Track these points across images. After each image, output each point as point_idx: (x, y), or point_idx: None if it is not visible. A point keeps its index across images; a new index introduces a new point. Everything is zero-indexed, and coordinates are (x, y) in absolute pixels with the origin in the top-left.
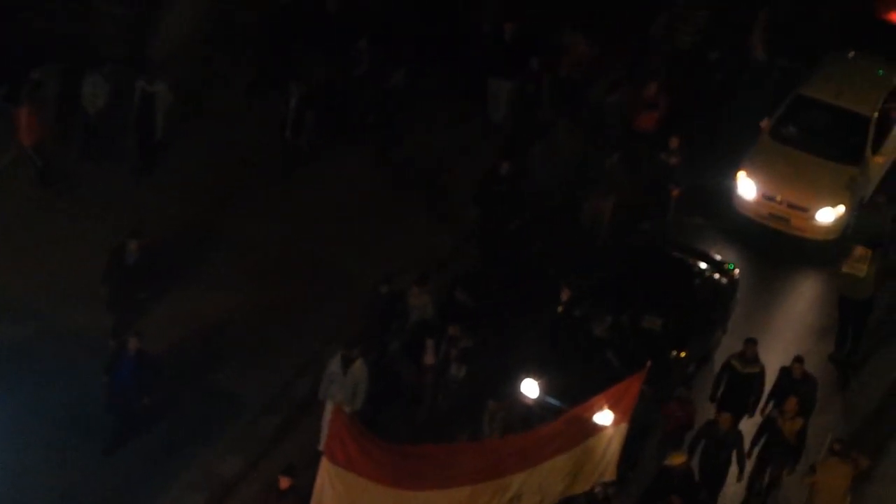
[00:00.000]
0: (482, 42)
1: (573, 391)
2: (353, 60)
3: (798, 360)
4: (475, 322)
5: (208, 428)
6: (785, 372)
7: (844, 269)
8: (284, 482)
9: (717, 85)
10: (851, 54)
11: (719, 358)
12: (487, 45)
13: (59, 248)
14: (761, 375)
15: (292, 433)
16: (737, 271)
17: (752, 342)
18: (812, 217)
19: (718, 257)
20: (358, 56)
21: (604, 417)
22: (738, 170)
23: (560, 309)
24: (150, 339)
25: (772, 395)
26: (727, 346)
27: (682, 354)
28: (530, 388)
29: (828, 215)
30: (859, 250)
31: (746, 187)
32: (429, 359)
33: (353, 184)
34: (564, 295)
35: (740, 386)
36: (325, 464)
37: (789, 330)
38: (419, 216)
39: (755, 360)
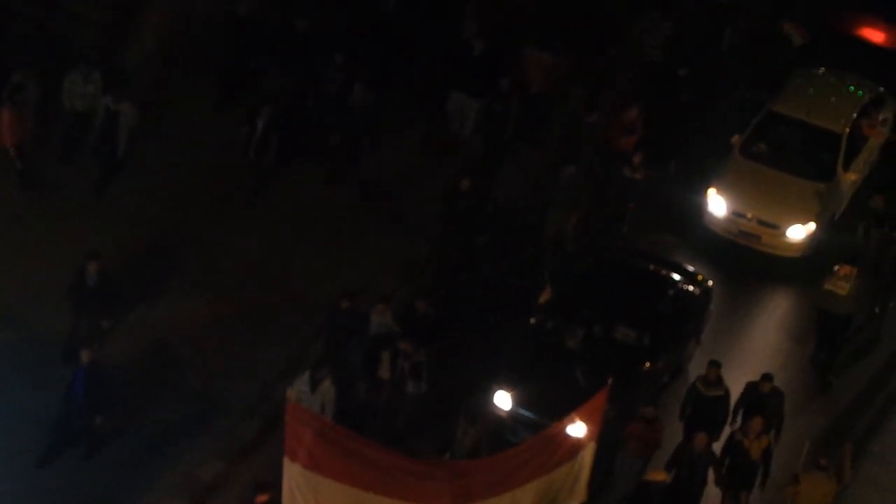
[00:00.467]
0: (450, 57)
1: (546, 403)
2: (327, 78)
3: (766, 377)
4: (435, 335)
5: (189, 432)
6: (751, 387)
7: (827, 286)
8: (261, 499)
9: (685, 101)
10: (821, 70)
11: (693, 370)
12: (455, 60)
13: (40, 252)
14: (726, 398)
15: (272, 437)
16: (710, 283)
17: (714, 365)
18: (782, 234)
19: (692, 269)
20: (333, 74)
21: (577, 430)
22: (709, 187)
23: (533, 321)
24: (127, 343)
25: (737, 410)
26: (701, 359)
27: (656, 366)
28: (503, 399)
29: (798, 232)
30: (844, 268)
31: (717, 204)
32: (384, 373)
33: (317, 202)
34: (545, 295)
35: (705, 408)
36: (286, 464)
37: (761, 346)
38: (382, 233)
39: (718, 382)
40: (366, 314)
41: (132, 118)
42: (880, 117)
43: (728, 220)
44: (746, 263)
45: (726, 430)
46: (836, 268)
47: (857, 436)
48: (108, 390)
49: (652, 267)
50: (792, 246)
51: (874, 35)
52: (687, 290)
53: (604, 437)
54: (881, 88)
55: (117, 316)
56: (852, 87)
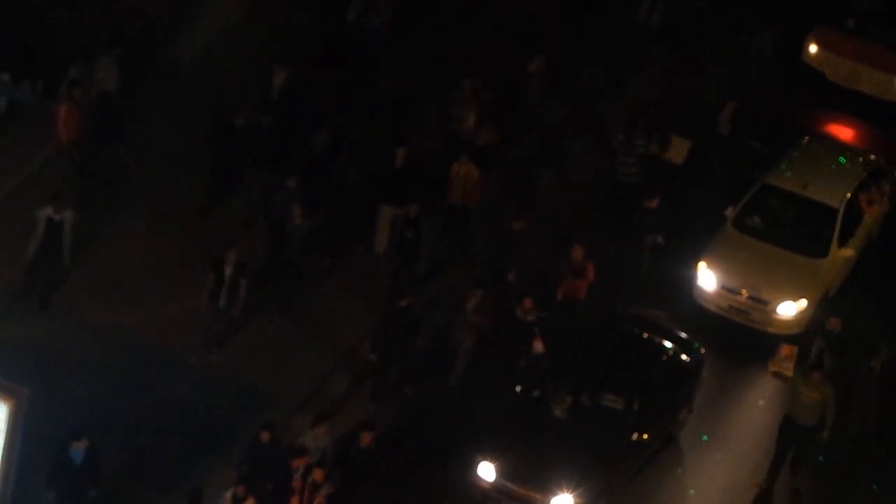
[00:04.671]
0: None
1: (531, 474)
2: (275, 201)
3: None
4: (371, 474)
5: (241, 426)
6: None
7: (771, 367)
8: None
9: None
10: (806, 140)
11: (685, 438)
12: (379, 170)
13: (98, 244)
14: None
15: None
16: (703, 350)
17: None
18: (773, 311)
19: (684, 335)
20: (283, 196)
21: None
22: (699, 260)
23: (519, 388)
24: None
25: None
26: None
27: (645, 436)
28: (487, 471)
29: (789, 309)
30: (784, 349)
31: (707, 278)
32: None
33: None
34: (538, 346)
35: None
36: None
37: (753, 418)
38: (318, 360)
39: None
40: (288, 446)
41: (75, 224)
42: (879, 191)
43: (718, 294)
44: (739, 338)
45: None
46: (780, 348)
47: None
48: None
49: (643, 333)
50: (783, 323)
51: (842, 132)
52: (679, 356)
53: None
54: (881, 160)
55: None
56: (851, 160)
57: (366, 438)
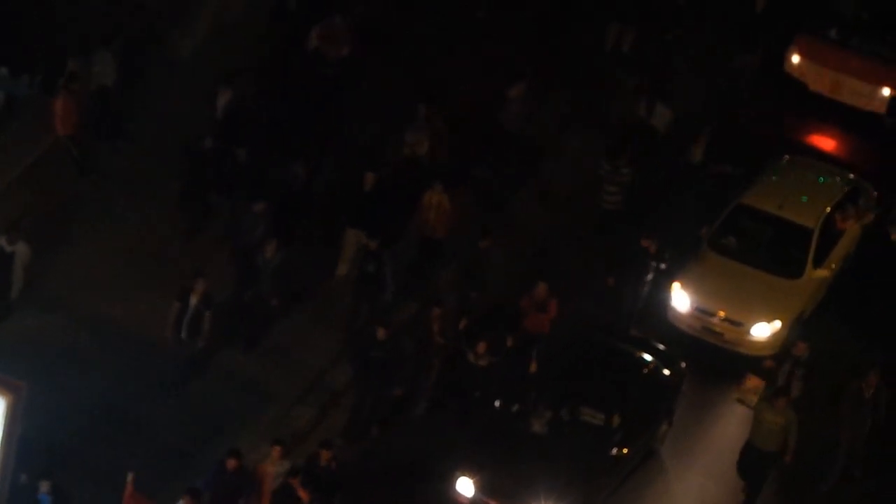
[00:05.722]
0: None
1: (511, 490)
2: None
3: None
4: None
5: (242, 420)
6: None
7: (736, 395)
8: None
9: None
10: (784, 159)
11: (665, 451)
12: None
13: (94, 237)
14: None
15: (324, 424)
16: (683, 364)
17: None
18: (746, 332)
19: (663, 348)
20: (251, 223)
21: None
22: (673, 281)
23: (498, 403)
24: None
25: None
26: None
27: (625, 451)
28: (465, 486)
29: (763, 330)
30: (751, 380)
31: (681, 299)
32: None
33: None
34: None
35: None
36: None
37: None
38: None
39: None
40: (253, 471)
41: (26, 259)
42: (857, 210)
43: (692, 316)
44: (714, 359)
45: None
46: (747, 378)
47: None
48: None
49: (623, 346)
50: (757, 344)
51: (825, 143)
52: (660, 369)
53: None
54: (859, 178)
55: None
56: (828, 179)
57: (325, 455)
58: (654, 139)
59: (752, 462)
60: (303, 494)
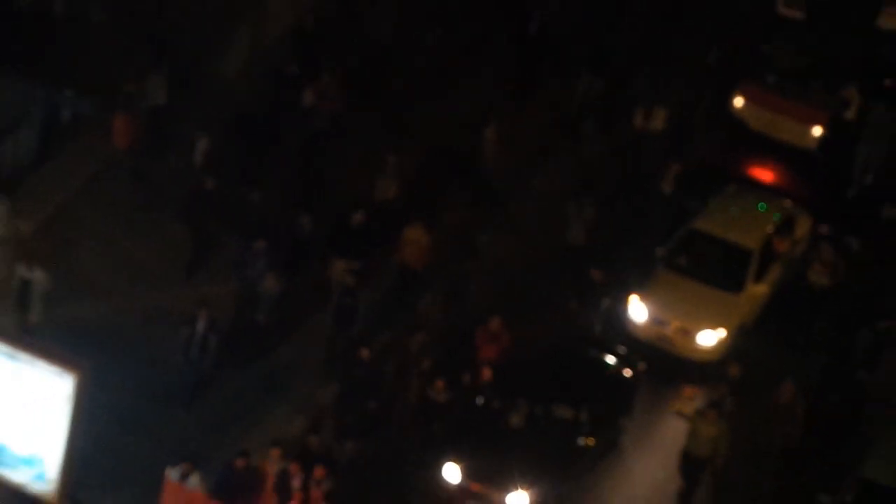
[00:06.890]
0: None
1: (492, 474)
2: (246, 263)
3: None
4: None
5: (272, 395)
6: None
7: (676, 407)
8: (240, 463)
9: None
10: (732, 188)
11: (626, 441)
12: (335, 229)
13: (146, 241)
14: None
15: None
16: (641, 365)
17: None
18: (694, 339)
19: (624, 351)
20: (252, 259)
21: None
22: (631, 294)
23: (480, 400)
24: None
25: None
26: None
27: (591, 442)
28: (452, 472)
29: (709, 338)
30: (687, 390)
31: (639, 311)
32: None
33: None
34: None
35: None
36: None
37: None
38: (277, 405)
39: None
40: (262, 471)
41: (45, 285)
42: (792, 234)
43: (648, 325)
44: (664, 369)
45: None
46: (684, 389)
47: None
48: None
49: (591, 351)
50: (703, 350)
51: (765, 175)
52: (621, 370)
53: None
54: (795, 205)
55: None
56: (769, 206)
57: (313, 441)
58: (624, 179)
59: (688, 465)
60: (318, 473)
